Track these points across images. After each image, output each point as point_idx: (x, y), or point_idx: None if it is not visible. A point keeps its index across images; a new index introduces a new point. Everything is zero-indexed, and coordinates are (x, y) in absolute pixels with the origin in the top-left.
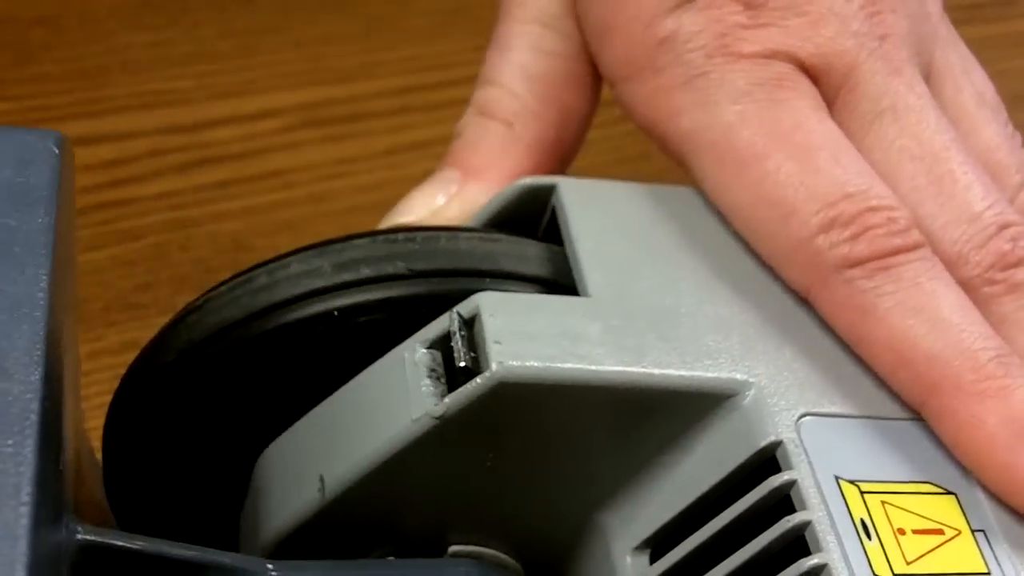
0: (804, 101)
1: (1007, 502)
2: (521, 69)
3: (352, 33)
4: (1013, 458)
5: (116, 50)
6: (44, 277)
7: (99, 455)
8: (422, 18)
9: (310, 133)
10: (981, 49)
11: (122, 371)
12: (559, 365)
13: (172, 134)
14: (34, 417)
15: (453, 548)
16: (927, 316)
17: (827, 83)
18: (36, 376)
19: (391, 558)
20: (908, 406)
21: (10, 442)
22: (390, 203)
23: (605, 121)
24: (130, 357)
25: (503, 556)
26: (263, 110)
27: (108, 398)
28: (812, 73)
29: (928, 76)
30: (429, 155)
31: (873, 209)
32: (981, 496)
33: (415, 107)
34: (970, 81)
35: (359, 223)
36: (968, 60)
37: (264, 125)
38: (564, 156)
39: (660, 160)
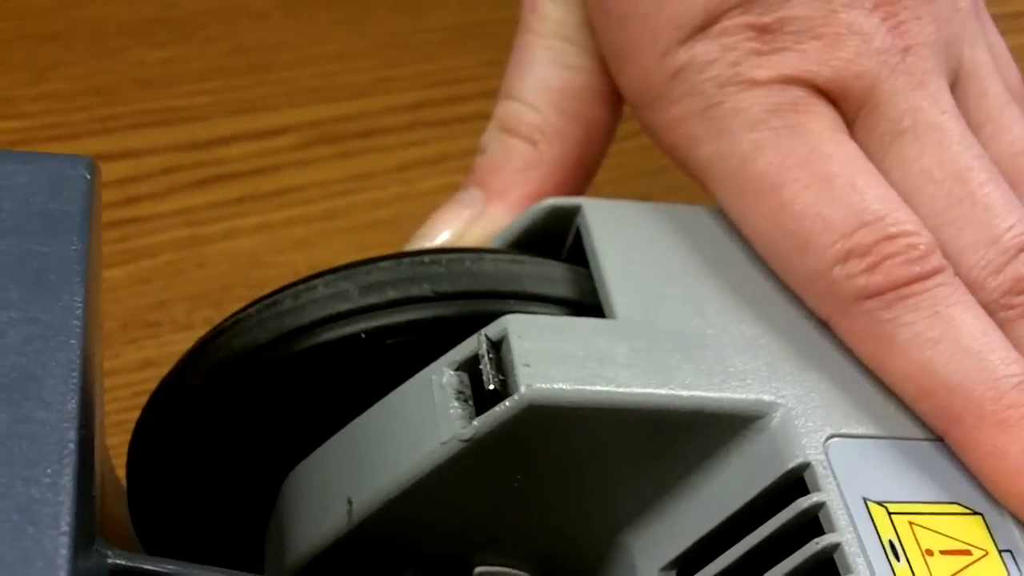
0: (820, 124)
1: None
2: (543, 84)
3: (364, 49)
4: None
5: (128, 67)
6: (79, 304)
7: (119, 473)
8: (433, 34)
9: (323, 149)
10: None
11: (140, 389)
12: (587, 388)
13: (185, 151)
14: (72, 446)
15: (479, 569)
16: (947, 345)
17: (846, 105)
18: (72, 404)
19: None
20: (923, 432)
21: (48, 471)
22: (404, 219)
23: (617, 135)
24: (147, 375)
25: None
26: (276, 127)
27: (126, 416)
28: (831, 96)
29: (956, 78)
30: (443, 170)
31: (891, 237)
32: (1008, 516)
33: (428, 122)
34: (998, 79)
35: (374, 239)
36: (997, 49)
37: (278, 142)
38: (588, 172)
39: (674, 175)
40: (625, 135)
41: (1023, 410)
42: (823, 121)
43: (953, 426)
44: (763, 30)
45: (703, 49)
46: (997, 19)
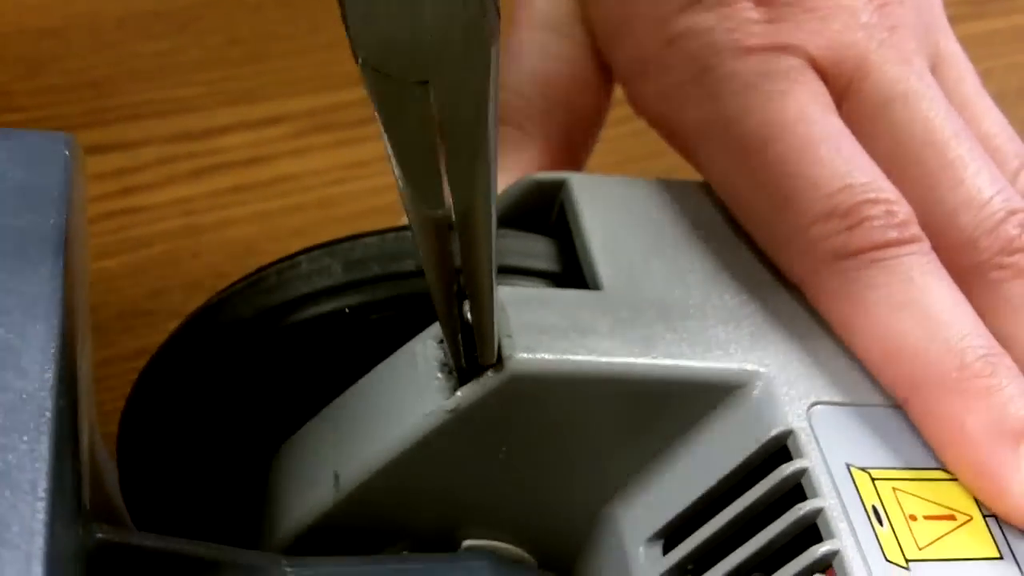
0: (809, 94)
1: (983, 503)
2: (531, 74)
3: None
4: (990, 459)
5: (124, 59)
6: (57, 277)
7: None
8: None
9: (319, 138)
10: (989, 43)
11: (136, 377)
12: (570, 357)
13: (182, 141)
14: (49, 414)
15: (467, 542)
16: (916, 311)
17: (838, 75)
18: (50, 374)
19: (406, 553)
20: (893, 399)
21: (25, 438)
22: (400, 206)
23: (610, 121)
24: (144, 363)
25: (517, 549)
26: (272, 116)
27: (123, 404)
28: (823, 67)
29: (933, 65)
30: None
31: (872, 201)
32: None
33: None
34: (972, 69)
35: (369, 226)
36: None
37: (273, 131)
38: (575, 157)
39: (665, 160)
40: (618, 120)
41: (986, 382)
42: (813, 92)
43: (914, 392)
44: (760, 2)
45: (701, 18)
46: (960, 4)
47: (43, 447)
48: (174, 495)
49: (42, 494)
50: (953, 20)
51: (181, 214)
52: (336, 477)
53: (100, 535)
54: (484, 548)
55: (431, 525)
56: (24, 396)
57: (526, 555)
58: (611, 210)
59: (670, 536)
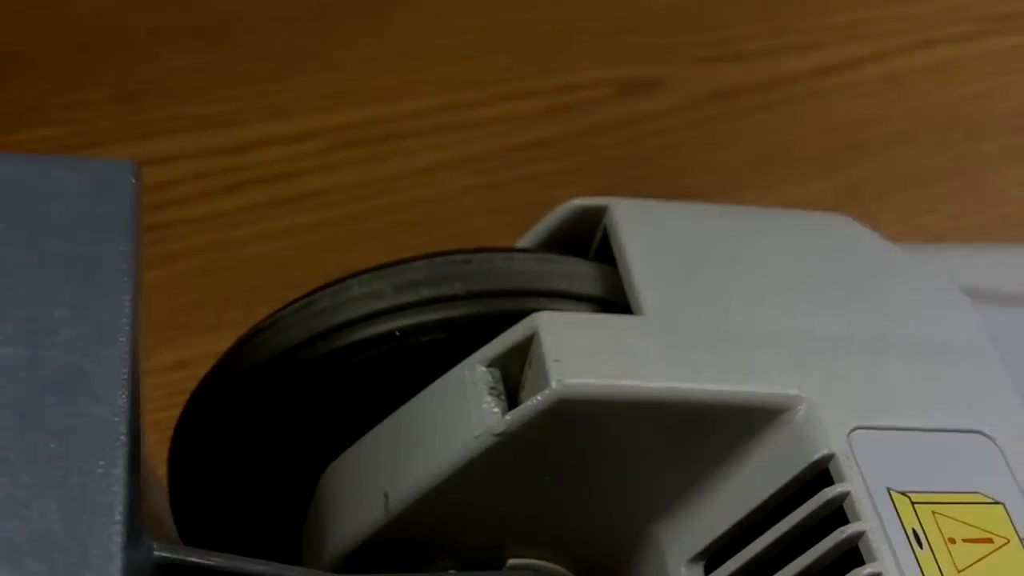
0: None
1: None
2: None
3: (387, 54)
4: None
5: (157, 74)
6: (127, 304)
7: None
8: (455, 38)
9: (349, 153)
10: (1014, 59)
11: (173, 389)
12: (617, 382)
13: (214, 156)
14: (123, 439)
15: (512, 561)
16: None
17: None
18: (123, 399)
19: (452, 571)
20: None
21: (102, 463)
22: (430, 220)
23: (634, 136)
24: (180, 375)
25: (560, 568)
26: (303, 131)
27: (161, 415)
28: None
29: None
30: (467, 172)
31: None
32: None
33: (451, 125)
34: None
35: (400, 241)
36: None
37: (304, 146)
38: None
39: (690, 176)
40: (641, 135)
41: None
42: None
43: None
44: None
45: None
46: (981, 21)
47: (118, 471)
48: (224, 511)
49: (118, 517)
50: (974, 36)
51: (215, 228)
52: (386, 497)
53: (158, 552)
54: (528, 566)
55: (477, 543)
56: (99, 421)
57: (569, 574)
58: (654, 234)
59: (712, 557)
